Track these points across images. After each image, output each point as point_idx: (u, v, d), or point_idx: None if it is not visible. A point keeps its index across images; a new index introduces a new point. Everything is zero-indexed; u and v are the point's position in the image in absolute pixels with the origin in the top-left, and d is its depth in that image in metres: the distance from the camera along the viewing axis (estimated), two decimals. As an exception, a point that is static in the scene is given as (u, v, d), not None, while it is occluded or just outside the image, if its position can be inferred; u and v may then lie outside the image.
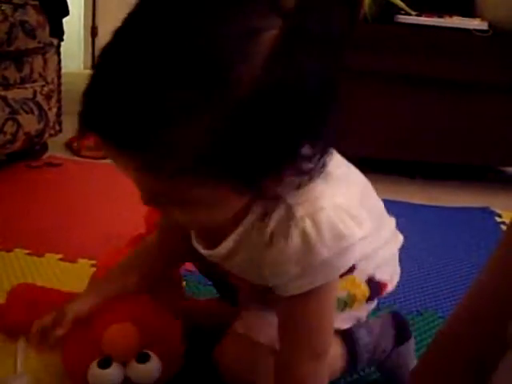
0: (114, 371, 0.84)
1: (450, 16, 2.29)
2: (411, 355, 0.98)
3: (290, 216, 0.66)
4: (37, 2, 1.97)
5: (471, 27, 2.22)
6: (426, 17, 2.26)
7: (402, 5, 2.28)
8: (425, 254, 1.54)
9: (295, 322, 0.73)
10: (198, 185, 0.58)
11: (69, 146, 2.42)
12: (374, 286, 0.90)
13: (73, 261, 1.34)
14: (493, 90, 2.20)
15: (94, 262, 1.31)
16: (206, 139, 0.54)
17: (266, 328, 0.83)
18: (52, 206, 1.74)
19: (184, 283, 1.19)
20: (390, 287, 0.94)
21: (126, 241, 1.24)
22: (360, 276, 0.87)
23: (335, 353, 0.87)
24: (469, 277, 1.39)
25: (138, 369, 0.85)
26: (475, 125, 2.24)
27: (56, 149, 2.34)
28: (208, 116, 0.53)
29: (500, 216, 1.88)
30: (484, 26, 2.23)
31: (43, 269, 1.30)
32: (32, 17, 1.92)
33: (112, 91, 0.55)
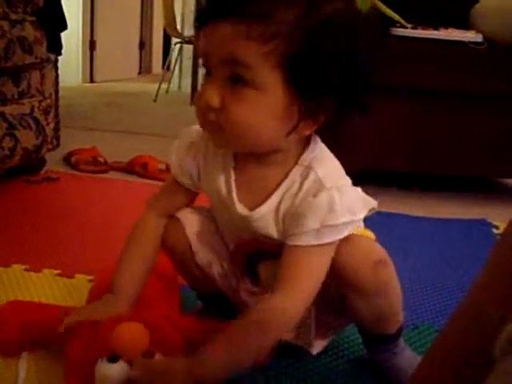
0: (121, 367, 0.84)
1: (446, 28, 2.31)
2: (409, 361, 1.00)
3: (319, 183, 0.84)
4: (34, 18, 1.99)
5: (466, 39, 2.24)
6: (421, 29, 2.27)
7: (397, 17, 2.30)
8: (421, 265, 1.54)
9: (291, 268, 0.84)
10: (267, 64, 0.75)
11: (67, 160, 2.43)
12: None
13: (70, 276, 1.34)
14: (488, 102, 2.21)
15: (91, 277, 1.32)
16: (293, 36, 0.74)
17: None
18: (50, 220, 1.74)
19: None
20: None
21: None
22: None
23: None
24: (466, 289, 1.39)
25: None
26: (471, 136, 2.25)
27: (54, 163, 2.35)
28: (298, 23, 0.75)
29: (497, 228, 1.88)
30: (479, 38, 2.25)
31: (40, 284, 1.30)
32: (29, 32, 1.93)
33: None
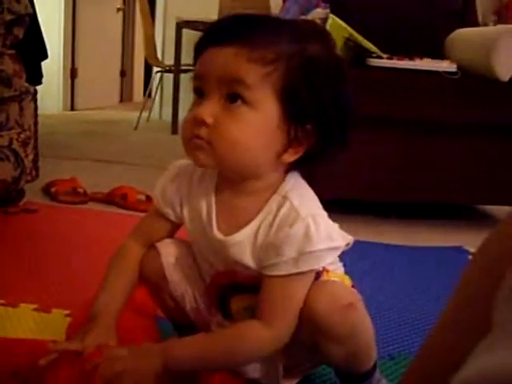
0: None
1: (420, 58, 2.35)
2: None
3: (295, 212, 0.86)
4: (14, 51, 2.00)
5: (441, 69, 2.29)
6: (396, 59, 2.32)
7: (373, 48, 2.34)
8: (397, 294, 1.56)
9: (279, 302, 0.87)
10: (265, 85, 0.81)
11: (46, 190, 2.42)
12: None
13: (47, 311, 1.33)
14: (463, 131, 2.25)
15: (68, 311, 1.31)
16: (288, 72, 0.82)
17: None
18: (28, 253, 1.73)
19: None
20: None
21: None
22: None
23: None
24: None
25: None
26: (447, 165, 2.28)
27: (33, 194, 2.34)
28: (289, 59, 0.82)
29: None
30: (453, 68, 2.30)
31: (17, 319, 1.30)
32: (8, 66, 1.94)
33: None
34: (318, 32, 0.91)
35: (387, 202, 2.38)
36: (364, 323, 0.94)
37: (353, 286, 0.99)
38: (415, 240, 2.07)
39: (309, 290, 0.88)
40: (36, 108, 2.20)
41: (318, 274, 0.94)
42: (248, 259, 0.90)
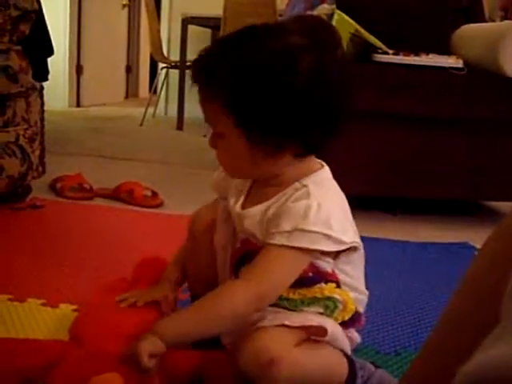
0: None
1: (427, 54, 2.35)
2: (393, 380, 1.02)
3: (306, 195, 0.92)
4: (20, 47, 2.00)
5: (447, 65, 2.28)
6: (402, 55, 2.31)
7: (379, 44, 2.34)
8: (403, 290, 1.56)
9: (262, 263, 0.92)
10: (221, 116, 0.90)
11: (52, 186, 2.43)
12: (356, 311, 1.02)
13: (54, 306, 1.34)
14: (469, 126, 2.25)
15: (75, 306, 1.32)
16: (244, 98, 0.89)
17: (290, 316, 0.94)
18: (34, 248, 1.74)
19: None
20: (362, 323, 1.06)
21: (108, 284, 1.25)
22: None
23: (343, 361, 0.98)
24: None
25: None
26: (453, 160, 2.28)
27: (39, 190, 2.35)
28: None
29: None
30: (459, 63, 2.29)
31: (24, 314, 1.30)
32: (15, 62, 1.95)
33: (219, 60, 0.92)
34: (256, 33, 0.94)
35: (392, 198, 2.38)
36: (296, 372, 0.90)
37: (352, 319, 1.01)
38: (420, 236, 2.07)
39: (239, 340, 0.93)
40: (42, 104, 2.20)
41: (317, 279, 0.97)
42: (256, 230, 0.97)
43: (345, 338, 1.01)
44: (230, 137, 0.92)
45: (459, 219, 2.34)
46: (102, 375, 0.88)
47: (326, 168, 1.00)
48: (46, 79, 2.46)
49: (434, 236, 2.08)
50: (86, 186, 2.41)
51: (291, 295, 0.97)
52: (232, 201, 1.04)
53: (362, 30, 2.30)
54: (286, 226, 0.90)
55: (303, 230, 0.89)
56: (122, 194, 2.34)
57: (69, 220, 2.08)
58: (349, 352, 1.02)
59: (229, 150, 0.94)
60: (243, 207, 1.02)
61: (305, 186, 0.94)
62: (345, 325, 1.02)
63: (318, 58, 0.89)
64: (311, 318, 0.95)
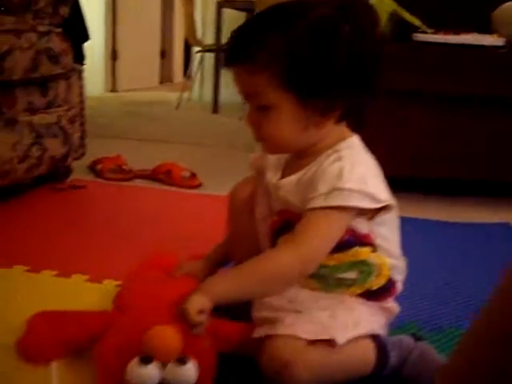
0: (154, 369, 0.86)
1: (467, 33, 2.31)
2: (434, 353, 1.01)
3: (338, 158, 0.96)
4: (61, 30, 2.03)
5: (487, 43, 2.24)
6: (442, 34, 2.28)
7: (418, 23, 2.31)
8: (445, 269, 1.55)
9: (303, 228, 0.95)
10: (272, 86, 0.92)
11: (92, 168, 2.47)
12: (391, 278, 1.04)
13: (99, 281, 1.37)
14: (510, 106, 2.21)
15: (118, 282, 1.34)
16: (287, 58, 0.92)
17: (304, 323, 0.95)
18: (77, 227, 1.78)
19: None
20: (398, 290, 1.07)
21: (147, 260, 1.28)
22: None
23: (366, 348, 0.98)
24: (488, 293, 1.39)
25: (177, 370, 0.87)
26: (493, 140, 2.24)
27: (80, 171, 2.39)
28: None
29: (521, 231, 1.88)
30: (500, 42, 2.25)
31: (70, 289, 1.33)
32: (56, 44, 1.97)
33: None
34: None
35: (430, 179, 2.36)
36: (313, 372, 0.92)
37: (387, 287, 1.03)
38: (461, 217, 2.05)
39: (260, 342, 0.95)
40: (82, 86, 2.23)
41: (352, 242, 0.99)
42: (293, 198, 1.00)
43: (373, 318, 1.01)
44: (279, 106, 0.94)
45: (499, 200, 2.30)
46: (155, 327, 0.90)
47: (357, 137, 1.03)
48: (82, 64, 2.49)
49: (475, 217, 2.05)
50: (125, 167, 2.44)
51: (327, 262, 0.99)
52: (269, 175, 1.08)
53: (401, 9, 2.28)
54: (323, 188, 0.93)
55: (339, 189, 0.92)
56: (160, 175, 2.36)
57: (109, 200, 2.11)
58: (382, 326, 1.03)
59: (277, 120, 0.95)
60: (278, 178, 1.06)
61: (336, 150, 0.98)
62: (379, 294, 1.03)
63: (354, 28, 0.93)
64: (328, 324, 0.95)
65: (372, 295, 1.03)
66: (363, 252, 1.00)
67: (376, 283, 1.02)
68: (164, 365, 0.88)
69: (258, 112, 0.97)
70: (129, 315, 1.01)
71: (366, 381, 0.98)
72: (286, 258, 0.95)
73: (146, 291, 1.09)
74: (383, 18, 2.23)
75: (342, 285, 1.02)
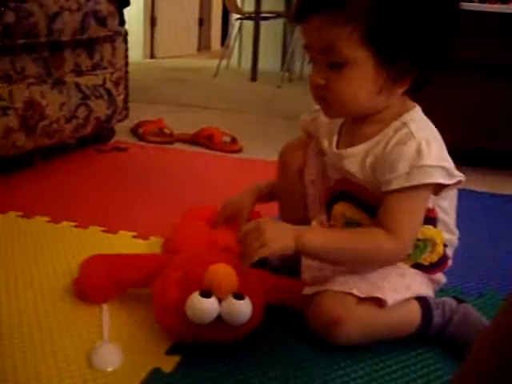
0: (214, 302, 0.90)
1: (515, 2, 2.27)
2: (478, 315, 1.03)
3: (410, 135, 0.94)
4: (108, -8, 2.05)
5: (536, 13, 2.20)
6: (489, 3, 2.24)
7: (464, -9, 2.27)
8: (486, 238, 1.56)
9: (396, 214, 0.94)
10: (352, 42, 0.89)
11: (134, 131, 2.50)
12: (444, 254, 1.06)
13: (145, 238, 1.41)
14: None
15: (163, 239, 1.38)
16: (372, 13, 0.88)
17: (357, 281, 0.97)
18: (120, 188, 1.82)
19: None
20: (448, 265, 1.08)
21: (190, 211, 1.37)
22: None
23: (412, 308, 1.00)
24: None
25: (234, 304, 0.91)
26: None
27: (122, 134, 2.43)
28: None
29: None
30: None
31: (117, 245, 1.38)
32: (103, 6, 2.00)
33: None
34: None
35: (473, 150, 2.33)
36: (362, 330, 0.95)
37: (440, 262, 1.05)
38: (499, 189, 2.03)
39: (310, 299, 0.98)
40: (127, 49, 2.26)
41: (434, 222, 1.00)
42: (356, 171, 1.00)
43: (422, 285, 1.03)
44: (356, 62, 0.91)
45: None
46: (215, 264, 0.95)
47: (419, 107, 1.01)
48: (123, 29, 2.51)
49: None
50: (167, 130, 2.48)
51: None
52: (326, 142, 1.07)
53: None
54: (403, 168, 0.91)
55: (421, 166, 0.91)
56: (201, 139, 2.39)
57: (151, 162, 2.15)
58: (430, 294, 1.04)
59: (351, 78, 0.92)
60: (338, 147, 1.05)
61: (404, 123, 0.96)
62: (430, 268, 1.05)
63: None
64: (381, 284, 0.97)
65: (423, 268, 1.05)
66: (424, 230, 1.01)
67: (429, 259, 1.04)
68: (221, 301, 0.92)
69: (329, 70, 0.93)
70: (185, 255, 1.06)
71: (412, 339, 1.01)
72: (387, 247, 0.94)
73: (196, 235, 1.15)
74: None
75: None
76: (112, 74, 2.13)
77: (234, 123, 2.86)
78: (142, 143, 2.40)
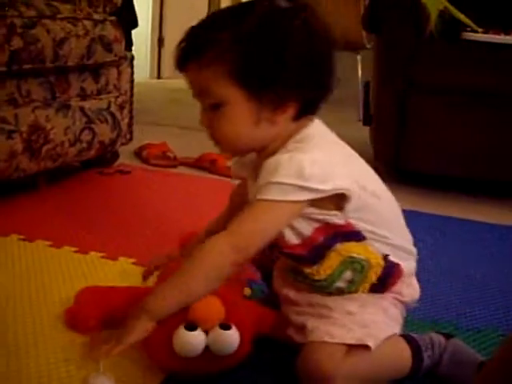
0: (199, 335, 0.91)
1: (518, 33, 2.29)
2: (469, 350, 1.02)
3: (281, 152, 0.94)
4: (114, 18, 2.08)
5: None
6: (492, 33, 2.26)
7: (468, 21, 2.29)
8: (484, 270, 1.55)
9: (236, 218, 0.95)
10: (221, 82, 0.92)
11: (138, 154, 2.52)
12: (389, 263, 1.00)
13: (145, 265, 1.41)
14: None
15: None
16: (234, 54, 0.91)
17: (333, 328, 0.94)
18: (123, 211, 1.83)
19: (249, 291, 1.26)
20: (402, 271, 1.02)
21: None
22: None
23: (403, 351, 0.98)
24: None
25: (220, 335, 0.91)
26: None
27: (126, 157, 2.44)
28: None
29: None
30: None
31: (117, 271, 1.38)
32: (110, 31, 2.02)
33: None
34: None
35: (473, 179, 2.34)
36: (354, 381, 0.91)
37: (386, 272, 0.99)
38: (500, 220, 2.03)
39: (303, 348, 0.93)
40: (132, 73, 2.28)
41: (329, 241, 0.97)
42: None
43: (399, 317, 1.01)
44: (229, 101, 0.93)
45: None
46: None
47: (314, 123, 1.00)
48: (130, 50, 2.53)
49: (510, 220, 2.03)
50: (170, 154, 2.49)
51: (317, 276, 0.99)
52: (250, 182, 1.06)
53: (451, 7, 2.26)
54: (260, 180, 0.93)
55: (272, 183, 0.90)
56: (205, 164, 2.40)
57: (155, 185, 2.16)
58: (404, 314, 1.03)
59: (228, 116, 0.95)
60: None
61: (289, 151, 0.94)
62: (383, 283, 1.00)
63: (303, 24, 0.93)
64: (351, 327, 0.94)
65: (376, 287, 1.00)
66: (344, 248, 0.97)
67: (375, 273, 0.99)
68: (207, 333, 0.92)
69: (211, 112, 0.96)
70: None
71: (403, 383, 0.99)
72: (218, 247, 0.94)
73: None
74: (433, 15, 2.23)
75: (344, 291, 1.00)
76: (117, 97, 2.15)
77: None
78: (145, 166, 2.41)
